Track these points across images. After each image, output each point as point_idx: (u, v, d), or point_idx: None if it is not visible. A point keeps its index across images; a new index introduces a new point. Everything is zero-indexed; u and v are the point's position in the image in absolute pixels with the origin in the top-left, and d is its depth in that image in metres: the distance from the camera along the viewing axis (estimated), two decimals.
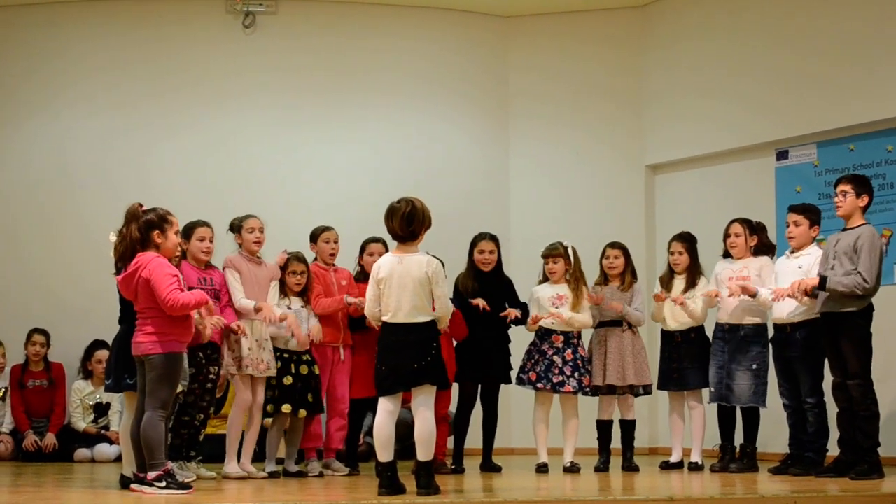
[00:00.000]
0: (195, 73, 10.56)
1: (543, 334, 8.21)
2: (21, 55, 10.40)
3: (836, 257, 7.25)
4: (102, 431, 9.70)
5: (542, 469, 8.02)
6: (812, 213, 7.77)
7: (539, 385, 8.10)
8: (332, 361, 8.00)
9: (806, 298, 7.43)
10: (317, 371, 7.85)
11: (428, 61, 10.97)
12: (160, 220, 6.43)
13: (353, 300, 7.84)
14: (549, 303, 8.16)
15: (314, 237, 8.18)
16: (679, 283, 8.33)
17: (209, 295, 6.77)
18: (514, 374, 8.34)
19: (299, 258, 7.86)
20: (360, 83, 10.77)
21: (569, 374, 8.07)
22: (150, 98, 10.46)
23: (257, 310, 7.46)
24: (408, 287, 6.23)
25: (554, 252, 8.24)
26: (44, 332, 9.81)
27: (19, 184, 10.31)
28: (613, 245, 8.47)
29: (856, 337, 7.19)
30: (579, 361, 8.14)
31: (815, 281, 7.21)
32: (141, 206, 6.46)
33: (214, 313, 7.13)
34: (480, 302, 8.09)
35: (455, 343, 8.17)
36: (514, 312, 8.19)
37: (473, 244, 8.38)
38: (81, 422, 9.74)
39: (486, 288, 8.19)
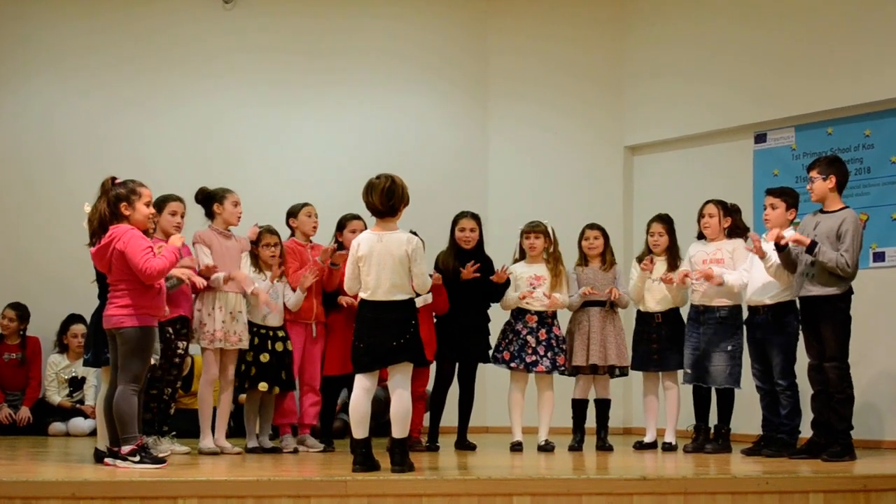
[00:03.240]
0: (177, 51, 10.53)
1: (517, 313, 8.22)
2: (5, 32, 10.32)
3: (818, 239, 7.25)
4: (77, 405, 9.67)
5: (516, 448, 8.03)
6: (789, 196, 7.78)
7: (513, 364, 8.12)
8: (304, 338, 8.01)
9: (776, 260, 7.43)
10: (290, 347, 7.85)
11: (408, 41, 10.94)
12: (128, 193, 6.42)
13: (321, 255, 7.83)
14: (527, 283, 8.17)
15: (294, 213, 8.17)
16: (661, 264, 8.33)
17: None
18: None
19: (271, 230, 7.86)
20: (341, 63, 10.74)
21: (542, 353, 8.09)
22: (133, 76, 10.42)
23: (226, 280, 7.45)
24: (387, 265, 6.23)
25: (536, 228, 8.24)
26: (18, 307, 9.76)
27: (6, 156, 10.26)
28: (592, 226, 8.46)
29: (836, 320, 7.20)
30: (553, 341, 8.15)
31: (807, 240, 7.17)
32: (114, 179, 6.45)
33: (193, 263, 7.12)
34: (468, 271, 8.04)
35: (435, 320, 8.17)
36: (506, 274, 8.13)
37: (455, 222, 8.37)
38: (56, 395, 9.71)
39: (466, 266, 8.17)
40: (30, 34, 10.35)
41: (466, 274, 8.03)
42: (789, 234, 7.47)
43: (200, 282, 7.27)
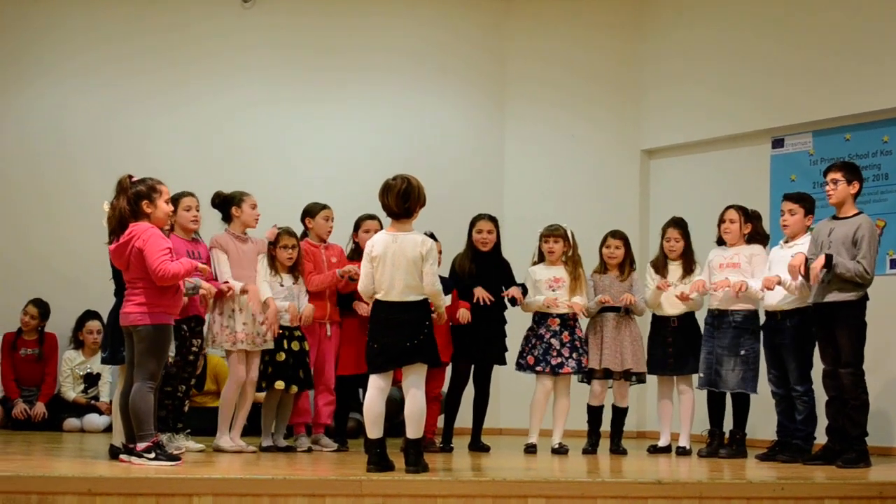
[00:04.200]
0: (194, 48, 10.53)
1: (540, 318, 8.21)
2: (20, 26, 10.34)
3: (832, 246, 7.23)
4: (92, 401, 9.70)
5: (530, 449, 8.03)
6: (807, 202, 7.77)
7: (538, 368, 8.11)
8: (319, 337, 8.01)
9: (797, 282, 7.42)
10: (307, 347, 7.86)
11: (426, 41, 10.95)
12: (149, 191, 6.44)
13: (345, 269, 7.84)
14: (546, 285, 8.16)
15: (312, 213, 8.16)
16: (675, 269, 8.33)
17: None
18: (508, 355, 8.35)
19: (289, 232, 7.86)
20: (358, 62, 10.74)
21: (567, 355, 8.08)
22: (149, 73, 10.42)
23: (243, 291, 7.47)
24: (401, 266, 6.23)
25: (555, 232, 8.23)
26: (40, 304, 9.79)
27: (16, 153, 10.28)
28: (615, 234, 8.42)
29: (852, 326, 7.19)
30: (577, 342, 8.15)
31: (822, 261, 7.16)
32: (130, 177, 6.48)
33: (210, 277, 7.12)
34: (481, 295, 8.08)
35: (451, 324, 8.18)
36: (515, 291, 8.17)
37: (472, 224, 8.37)
38: (71, 391, 9.74)
39: (483, 269, 8.20)
40: (40, 32, 10.36)
41: (479, 297, 8.07)
42: (803, 241, 7.47)
43: (212, 291, 7.29)
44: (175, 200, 7.30)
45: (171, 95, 10.45)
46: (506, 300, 8.23)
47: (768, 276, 7.61)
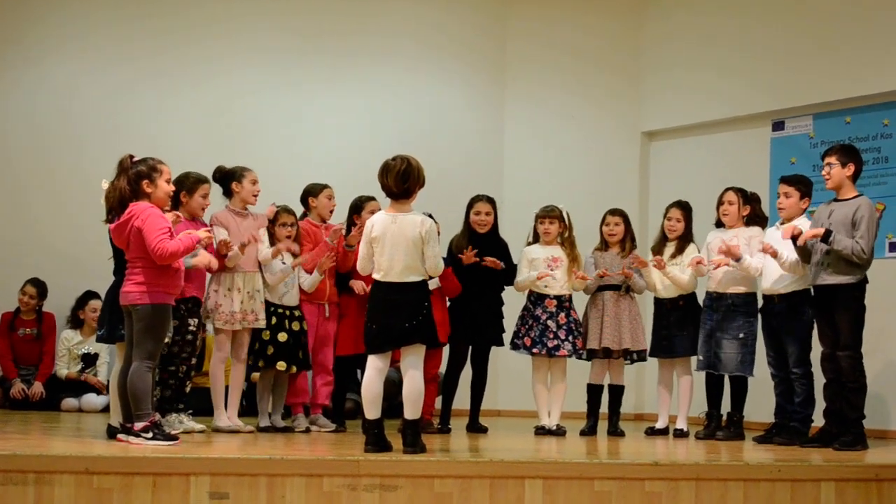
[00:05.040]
0: (197, 30, 10.50)
1: (536, 299, 8.21)
2: (26, 4, 10.30)
3: (833, 228, 7.22)
4: (83, 377, 9.68)
5: (541, 431, 8.04)
6: (803, 185, 7.75)
7: (535, 350, 8.11)
8: (317, 318, 8.02)
9: (791, 257, 7.41)
10: (305, 327, 7.87)
11: (428, 24, 10.94)
12: (149, 170, 6.42)
13: (331, 232, 7.85)
14: (544, 264, 8.15)
15: (314, 192, 8.17)
16: (669, 249, 8.33)
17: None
18: (506, 336, 8.35)
19: (288, 210, 7.89)
20: (361, 44, 10.73)
21: (563, 337, 8.08)
22: (155, 54, 10.40)
23: (242, 248, 7.46)
24: (401, 246, 6.23)
25: (550, 213, 8.23)
26: (38, 284, 9.79)
27: (22, 132, 10.25)
28: (614, 212, 8.44)
29: (851, 309, 7.17)
30: (573, 325, 8.15)
31: (821, 231, 7.13)
32: (131, 157, 6.45)
33: (210, 248, 7.10)
34: (468, 254, 8.05)
35: (448, 303, 8.18)
36: (498, 263, 8.15)
37: (470, 205, 8.37)
38: (65, 369, 9.73)
39: (481, 250, 8.18)
40: (46, 10, 10.33)
41: (466, 259, 8.04)
42: (803, 224, 7.45)
43: (215, 264, 7.29)
44: (193, 185, 7.33)
45: (175, 76, 10.43)
46: (482, 262, 8.14)
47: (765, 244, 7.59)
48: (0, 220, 10.10)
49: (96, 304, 9.63)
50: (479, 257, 8.13)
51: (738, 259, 7.77)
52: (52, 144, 10.22)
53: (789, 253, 7.48)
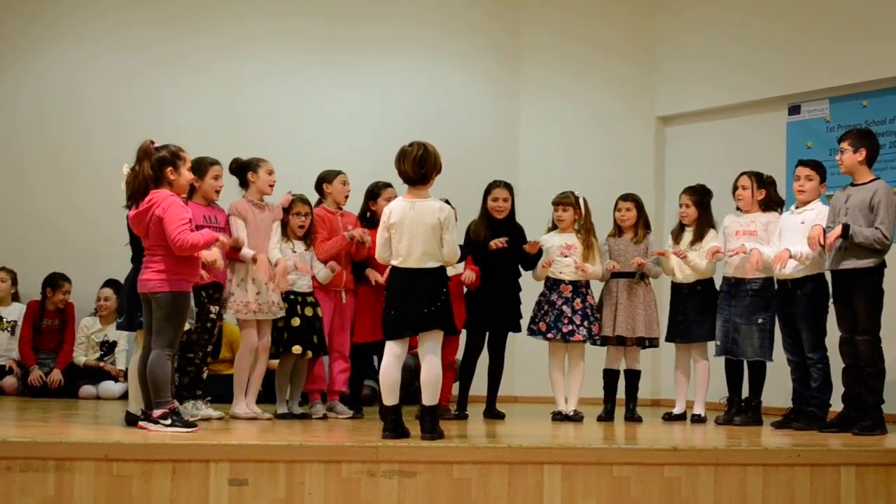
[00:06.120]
0: (208, 16, 10.49)
1: (552, 284, 8.20)
2: None
3: (849, 213, 7.19)
4: (100, 364, 9.71)
5: (558, 417, 8.04)
6: (822, 169, 7.73)
7: (549, 335, 8.10)
8: (334, 305, 8.03)
9: (813, 252, 7.38)
10: (320, 313, 7.87)
11: (442, 10, 10.91)
12: (173, 157, 6.40)
13: (353, 231, 7.85)
14: (558, 252, 8.15)
15: (329, 179, 8.16)
16: (688, 235, 8.32)
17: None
18: (523, 323, 8.34)
19: (303, 199, 7.87)
20: (374, 30, 10.70)
21: (578, 322, 8.07)
22: (164, 41, 10.37)
23: (254, 259, 7.46)
24: (419, 233, 6.23)
25: (565, 200, 8.21)
26: (69, 280, 9.83)
27: (30, 121, 10.25)
28: (626, 197, 8.42)
29: (869, 293, 7.15)
30: (588, 310, 8.14)
31: (838, 232, 7.12)
32: (153, 142, 6.41)
33: (225, 249, 7.10)
34: (498, 241, 8.04)
35: (466, 291, 8.17)
36: (537, 245, 8.15)
37: (487, 192, 8.35)
38: (83, 356, 9.75)
39: (498, 235, 8.13)
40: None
41: (494, 245, 8.02)
42: (820, 209, 7.44)
43: (220, 264, 7.27)
44: (203, 167, 7.31)
45: (185, 63, 10.41)
46: (491, 246, 8.09)
47: (778, 252, 7.56)
48: (8, 209, 10.11)
49: (103, 292, 9.67)
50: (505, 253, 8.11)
51: (759, 266, 7.73)
52: (61, 133, 10.22)
53: (807, 251, 7.44)
